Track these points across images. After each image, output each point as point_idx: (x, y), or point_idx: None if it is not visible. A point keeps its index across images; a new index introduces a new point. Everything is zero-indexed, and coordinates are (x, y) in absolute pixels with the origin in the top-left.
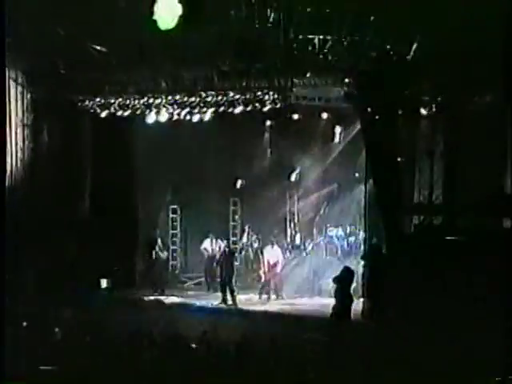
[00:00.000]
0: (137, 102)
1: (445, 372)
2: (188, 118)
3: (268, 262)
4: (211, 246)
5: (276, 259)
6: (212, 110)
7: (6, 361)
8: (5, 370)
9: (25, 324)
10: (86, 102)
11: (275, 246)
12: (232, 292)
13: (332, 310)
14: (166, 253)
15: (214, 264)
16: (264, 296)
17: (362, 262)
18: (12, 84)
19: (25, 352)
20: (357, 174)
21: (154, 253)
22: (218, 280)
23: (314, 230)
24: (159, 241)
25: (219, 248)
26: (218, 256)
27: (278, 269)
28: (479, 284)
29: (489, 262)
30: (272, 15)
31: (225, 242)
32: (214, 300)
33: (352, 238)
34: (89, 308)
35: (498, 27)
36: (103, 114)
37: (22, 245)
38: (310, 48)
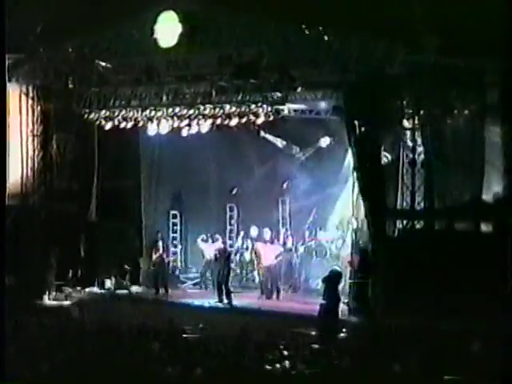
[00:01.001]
0: (139, 114)
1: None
2: (187, 129)
3: (262, 264)
4: (209, 248)
5: (269, 261)
6: (209, 121)
7: (6, 361)
8: (5, 370)
9: (26, 324)
10: (92, 115)
11: (269, 249)
12: (228, 292)
13: (320, 308)
14: (170, 255)
15: (211, 265)
16: (258, 295)
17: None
18: (23, 97)
19: (25, 352)
20: (344, 181)
21: (156, 255)
22: (215, 280)
23: (305, 233)
24: (161, 243)
25: (216, 250)
26: (214, 258)
27: (271, 270)
28: (459, 283)
29: (467, 263)
30: (266, 35)
31: (221, 244)
32: (211, 299)
33: (340, 241)
34: (93, 306)
35: (479, 43)
36: (108, 126)
37: (31, 247)
38: (300, 65)
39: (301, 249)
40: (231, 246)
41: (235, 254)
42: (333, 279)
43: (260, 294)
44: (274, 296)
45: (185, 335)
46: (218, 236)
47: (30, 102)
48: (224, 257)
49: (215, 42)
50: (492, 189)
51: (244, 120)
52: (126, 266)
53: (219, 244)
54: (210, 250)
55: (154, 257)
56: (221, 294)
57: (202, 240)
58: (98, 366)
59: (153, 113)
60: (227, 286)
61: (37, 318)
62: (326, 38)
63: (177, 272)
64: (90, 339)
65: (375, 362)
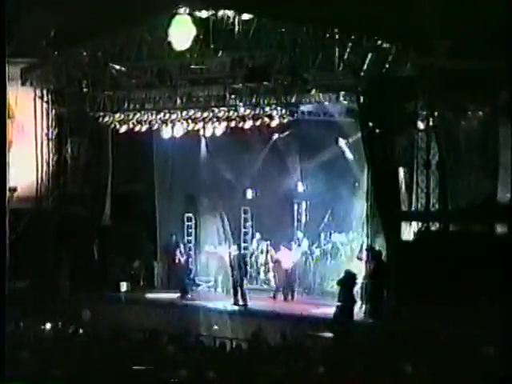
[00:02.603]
0: (153, 117)
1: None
2: (201, 132)
3: (277, 266)
4: (224, 251)
5: (284, 263)
6: (223, 124)
7: (6, 361)
8: (5, 370)
9: (38, 327)
10: (106, 118)
11: (284, 251)
12: (243, 294)
13: (336, 310)
14: (185, 257)
15: (227, 268)
16: (273, 297)
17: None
18: (38, 101)
19: (25, 352)
20: (359, 184)
21: (175, 257)
22: (231, 283)
23: (320, 236)
24: (176, 246)
25: (231, 253)
26: (229, 261)
27: (287, 272)
28: (473, 286)
29: (482, 265)
30: (279, 38)
31: (236, 247)
32: (226, 301)
33: (354, 244)
34: (106, 310)
35: (492, 44)
36: (122, 129)
37: (45, 249)
38: (314, 67)
39: (316, 251)
40: (246, 249)
41: (250, 257)
42: (348, 281)
43: (275, 297)
44: (289, 298)
45: (199, 337)
46: (232, 239)
47: (45, 105)
48: (239, 259)
49: (228, 45)
50: (507, 190)
51: (258, 122)
52: (140, 270)
53: (234, 247)
54: (225, 252)
55: (169, 260)
56: (236, 296)
57: (213, 243)
58: (108, 368)
59: (167, 116)
60: (242, 288)
61: (51, 320)
62: (338, 40)
63: (192, 275)
64: (102, 342)
65: (389, 363)
